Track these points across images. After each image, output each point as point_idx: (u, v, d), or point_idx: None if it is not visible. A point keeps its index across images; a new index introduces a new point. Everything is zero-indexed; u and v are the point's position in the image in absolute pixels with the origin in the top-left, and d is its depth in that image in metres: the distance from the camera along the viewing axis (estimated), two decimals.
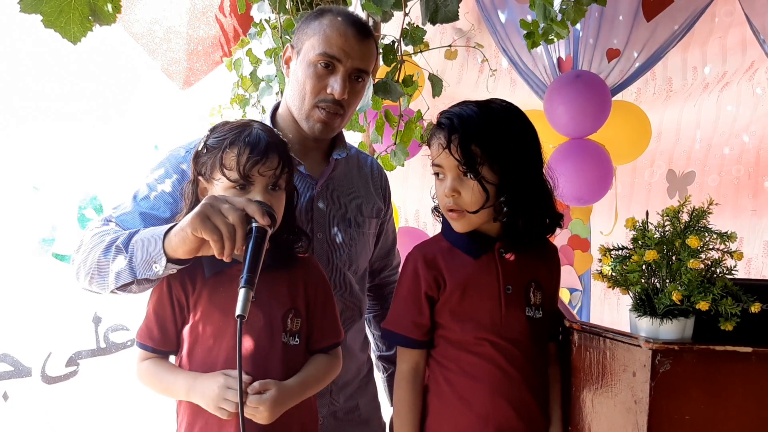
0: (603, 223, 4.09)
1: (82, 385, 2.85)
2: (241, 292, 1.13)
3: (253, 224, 1.20)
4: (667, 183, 4.26)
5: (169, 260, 1.26)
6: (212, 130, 1.35)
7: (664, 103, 4.18)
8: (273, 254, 1.35)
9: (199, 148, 1.34)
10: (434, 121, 1.45)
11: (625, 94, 3.77)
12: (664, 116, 4.24)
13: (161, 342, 1.38)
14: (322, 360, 1.42)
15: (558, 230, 1.49)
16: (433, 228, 3.80)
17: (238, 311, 1.11)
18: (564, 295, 3.80)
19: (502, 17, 3.28)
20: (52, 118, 2.74)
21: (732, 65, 3.91)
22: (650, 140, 3.62)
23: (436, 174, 1.43)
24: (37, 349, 2.79)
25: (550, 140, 3.30)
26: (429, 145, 1.44)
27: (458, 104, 1.44)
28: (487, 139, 1.36)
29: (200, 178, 1.34)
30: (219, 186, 1.30)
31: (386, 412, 1.94)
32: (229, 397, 1.24)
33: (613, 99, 3.23)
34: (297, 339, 1.37)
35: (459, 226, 1.42)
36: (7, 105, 2.70)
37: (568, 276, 3.81)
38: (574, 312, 3.66)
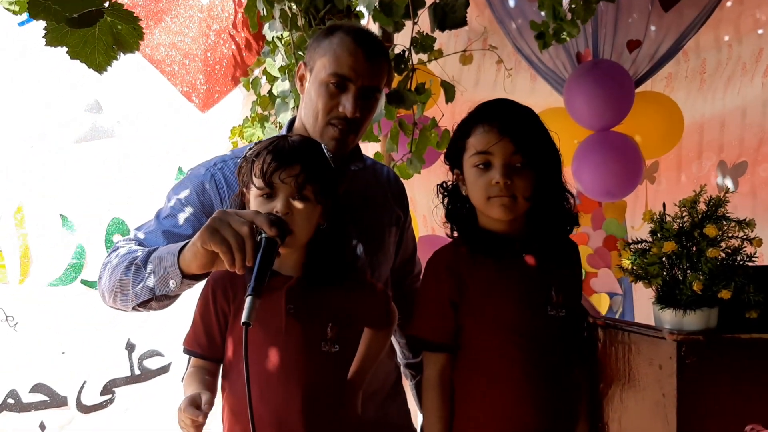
0: (639, 222, 3.91)
1: (118, 414, 2.81)
2: (248, 300, 1.15)
3: (263, 235, 1.22)
4: (715, 175, 4.05)
5: (185, 276, 1.28)
6: (256, 144, 1.38)
7: (700, 89, 4.00)
8: (315, 267, 1.36)
9: (240, 161, 1.38)
10: (449, 128, 1.46)
11: (654, 81, 3.63)
12: (704, 104, 4.03)
13: (208, 349, 1.38)
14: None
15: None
16: None
17: (243, 318, 1.13)
18: (604, 300, 3.68)
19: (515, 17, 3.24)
20: (76, 144, 2.74)
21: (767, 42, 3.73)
22: (684, 131, 3.43)
23: (478, 165, 1.42)
24: (71, 378, 2.75)
25: (575, 135, 3.21)
26: (469, 135, 1.44)
27: (497, 100, 1.47)
28: (534, 133, 1.42)
29: (244, 190, 1.37)
30: (252, 195, 1.34)
31: (417, 419, 1.94)
32: (181, 418, 1.21)
33: (640, 89, 3.12)
34: (336, 346, 1.36)
35: (503, 212, 1.41)
36: (31, 131, 2.68)
37: (606, 279, 3.63)
38: (616, 317, 3.55)
